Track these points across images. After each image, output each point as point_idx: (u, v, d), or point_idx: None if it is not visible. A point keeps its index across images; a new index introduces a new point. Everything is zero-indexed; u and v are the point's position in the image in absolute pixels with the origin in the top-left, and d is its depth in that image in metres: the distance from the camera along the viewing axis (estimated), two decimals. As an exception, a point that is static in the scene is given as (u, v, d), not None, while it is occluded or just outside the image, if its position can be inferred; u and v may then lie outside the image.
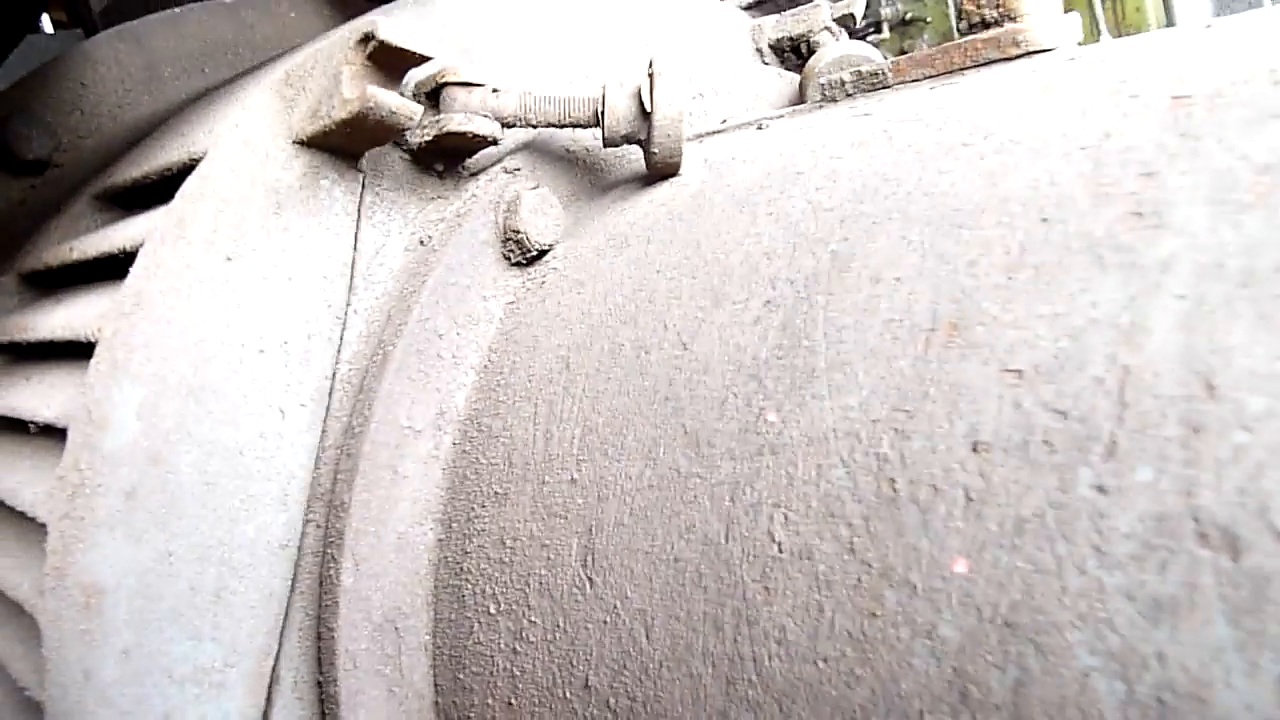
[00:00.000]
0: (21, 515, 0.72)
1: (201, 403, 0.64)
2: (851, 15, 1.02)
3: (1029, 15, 0.62)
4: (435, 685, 0.66)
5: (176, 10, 1.31)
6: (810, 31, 0.98)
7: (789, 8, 1.05)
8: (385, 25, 0.62)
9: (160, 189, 0.81)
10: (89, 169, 1.14)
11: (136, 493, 0.63)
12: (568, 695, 0.55)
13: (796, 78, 0.94)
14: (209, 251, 0.66)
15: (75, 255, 0.84)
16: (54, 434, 0.72)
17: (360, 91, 0.63)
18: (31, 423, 0.76)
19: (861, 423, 0.45)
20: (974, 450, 0.41)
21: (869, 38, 3.83)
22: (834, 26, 1.00)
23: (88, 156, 1.21)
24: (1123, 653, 0.34)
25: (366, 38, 0.63)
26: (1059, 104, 0.50)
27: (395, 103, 0.63)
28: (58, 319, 0.79)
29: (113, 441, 0.64)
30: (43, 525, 0.68)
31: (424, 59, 0.65)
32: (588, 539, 0.55)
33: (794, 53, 1.00)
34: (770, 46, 1.01)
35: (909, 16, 4.16)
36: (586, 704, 0.54)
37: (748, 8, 1.06)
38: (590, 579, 0.54)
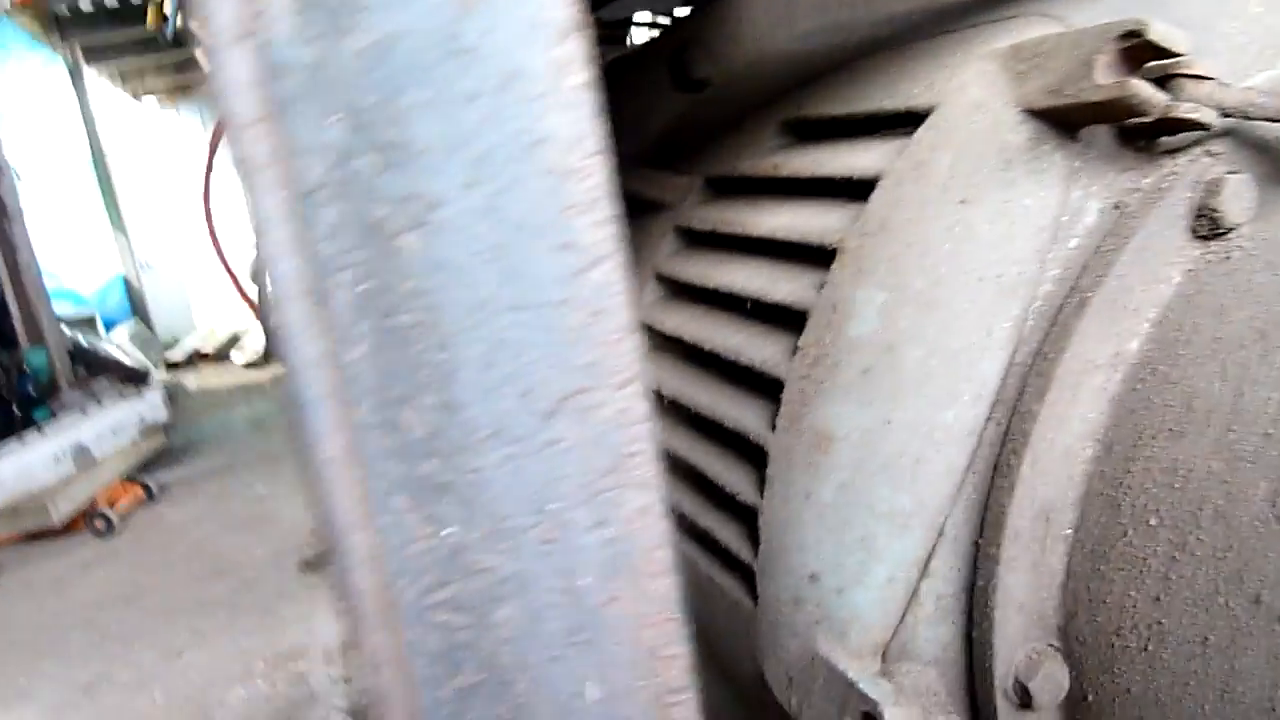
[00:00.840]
0: (747, 369, 0.97)
1: (930, 312, 0.82)
2: None
3: None
4: (1068, 569, 0.81)
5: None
6: None
7: None
8: (1155, 26, 0.74)
9: (855, 127, 1.00)
10: (734, 90, 1.39)
11: (871, 371, 0.83)
12: (1231, 605, 0.68)
13: None
14: (945, 194, 0.84)
15: (784, 172, 1.06)
16: (777, 312, 0.96)
17: (1116, 80, 0.76)
18: (752, 299, 1.00)
19: None
20: None
21: None
22: None
23: (732, 79, 1.46)
24: None
25: (1132, 34, 0.75)
26: None
27: (1148, 94, 0.76)
28: (778, 222, 1.02)
29: (855, 330, 0.84)
30: (775, 380, 0.91)
31: (1177, 56, 0.76)
32: (1278, 485, 0.66)
33: None
34: None
35: None
36: (1252, 615, 0.66)
37: None
38: (1277, 517, 0.66)
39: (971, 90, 0.88)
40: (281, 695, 3.78)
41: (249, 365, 10.70)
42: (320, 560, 5.01)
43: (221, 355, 11.23)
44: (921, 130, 0.88)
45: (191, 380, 10.34)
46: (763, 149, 1.16)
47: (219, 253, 2.62)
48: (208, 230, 2.53)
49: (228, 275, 2.65)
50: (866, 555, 0.84)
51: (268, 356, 10.69)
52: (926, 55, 1.00)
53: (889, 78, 1.02)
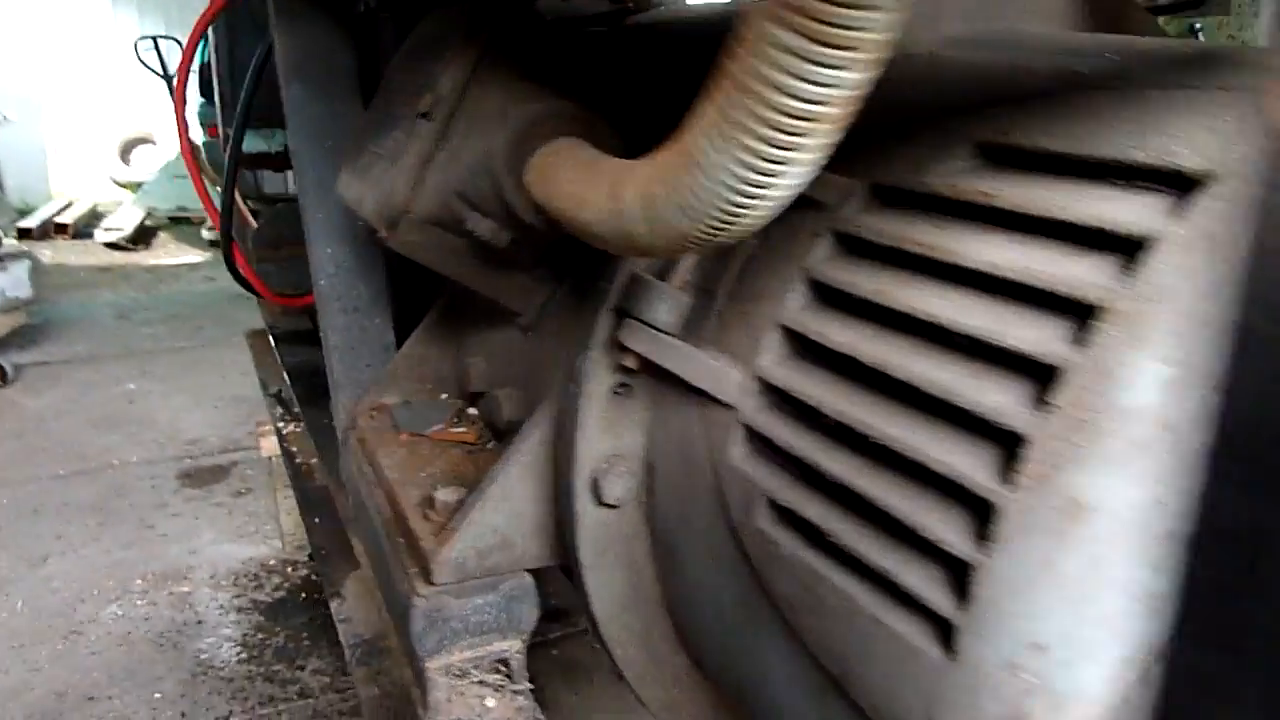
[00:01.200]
0: (962, 411, 0.92)
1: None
2: None
3: None
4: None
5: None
6: None
7: None
8: None
9: (1086, 170, 0.95)
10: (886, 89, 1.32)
11: (1148, 448, 0.79)
12: None
13: None
14: (1233, 268, 0.81)
15: (1001, 203, 1.00)
16: (1003, 356, 0.90)
17: None
18: (966, 336, 0.95)
19: None
20: None
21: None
22: None
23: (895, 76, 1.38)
24: None
25: None
26: None
27: None
28: (999, 258, 0.96)
29: (1129, 400, 0.80)
30: (1004, 430, 0.87)
31: None
32: None
33: None
34: None
35: None
36: None
37: None
38: None
39: (1262, 168, 0.84)
40: (163, 618, 3.54)
41: (112, 246, 9.92)
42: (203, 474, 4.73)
43: (81, 231, 10.36)
44: (1208, 199, 0.84)
45: (47, 253, 9.51)
46: (952, 168, 1.09)
47: (185, 145, 2.37)
48: (178, 128, 2.28)
49: (192, 175, 2.40)
50: (1107, 634, 0.81)
51: (136, 239, 9.95)
52: (1177, 110, 0.95)
53: (1125, 125, 0.97)
